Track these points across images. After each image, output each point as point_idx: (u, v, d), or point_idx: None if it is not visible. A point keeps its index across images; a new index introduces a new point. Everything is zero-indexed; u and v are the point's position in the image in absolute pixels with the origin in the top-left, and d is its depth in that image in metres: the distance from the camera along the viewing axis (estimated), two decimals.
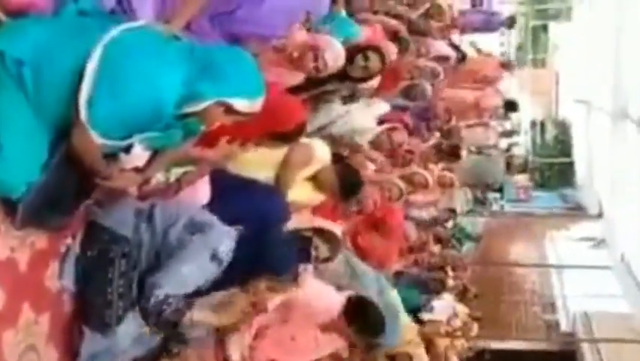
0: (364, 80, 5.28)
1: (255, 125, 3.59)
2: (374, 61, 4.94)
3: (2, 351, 2.88)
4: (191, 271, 3.34)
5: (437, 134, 9.64)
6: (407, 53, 6.79)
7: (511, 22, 13.86)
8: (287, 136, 4.24)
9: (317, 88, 4.87)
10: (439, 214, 10.49)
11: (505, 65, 12.55)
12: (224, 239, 3.49)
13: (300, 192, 4.92)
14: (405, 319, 6.53)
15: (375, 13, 6.95)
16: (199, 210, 3.62)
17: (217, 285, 3.61)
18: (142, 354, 3.49)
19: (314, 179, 4.93)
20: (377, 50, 5.02)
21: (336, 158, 5.13)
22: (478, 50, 12.96)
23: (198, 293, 3.53)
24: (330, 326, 5.09)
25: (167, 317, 3.27)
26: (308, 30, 4.50)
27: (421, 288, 8.89)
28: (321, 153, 4.82)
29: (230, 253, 3.48)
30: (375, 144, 6.38)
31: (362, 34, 5.67)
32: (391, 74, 6.36)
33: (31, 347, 3.07)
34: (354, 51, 4.84)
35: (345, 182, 4.96)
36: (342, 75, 4.87)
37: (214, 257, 3.41)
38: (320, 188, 4.98)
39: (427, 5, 8.62)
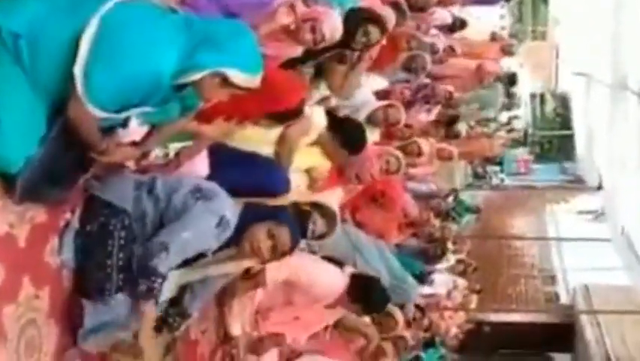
0: (365, 49, 5.28)
1: (253, 103, 3.59)
2: (374, 33, 4.91)
3: (3, 326, 2.88)
4: (192, 236, 3.32)
5: (437, 107, 9.60)
6: (404, 22, 6.73)
7: None
8: (284, 116, 4.22)
9: (316, 59, 4.85)
10: (439, 190, 10.51)
11: (506, 50, 12.49)
12: (230, 205, 3.49)
13: (310, 158, 4.96)
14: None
15: None
16: (202, 180, 3.62)
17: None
18: None
19: (318, 144, 4.97)
20: (377, 21, 4.98)
21: (336, 118, 5.16)
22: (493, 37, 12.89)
23: (202, 256, 3.53)
24: (334, 304, 5.11)
25: (146, 288, 3.25)
26: (304, 1, 4.47)
27: (421, 257, 8.89)
28: (318, 119, 4.84)
29: (235, 221, 3.48)
30: (371, 120, 6.37)
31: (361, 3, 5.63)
32: (390, 43, 6.32)
33: (32, 322, 3.07)
34: (354, 25, 4.80)
35: (348, 139, 5.08)
36: (342, 44, 4.85)
37: (220, 223, 3.40)
38: (325, 151, 5.02)
39: None
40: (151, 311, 3.29)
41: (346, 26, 4.55)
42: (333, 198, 5.54)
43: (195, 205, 3.35)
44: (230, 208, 3.48)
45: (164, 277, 3.24)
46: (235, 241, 3.54)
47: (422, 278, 8.43)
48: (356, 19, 4.79)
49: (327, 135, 4.98)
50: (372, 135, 6.51)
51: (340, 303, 5.13)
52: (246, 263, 3.86)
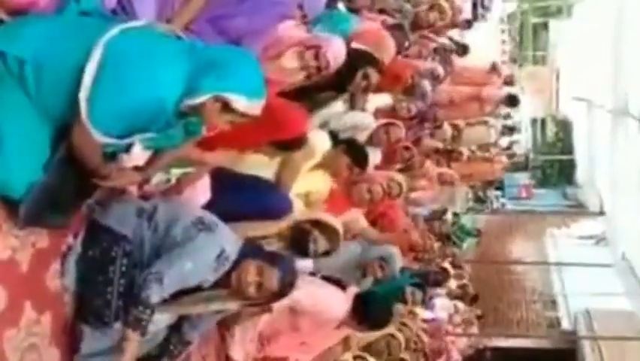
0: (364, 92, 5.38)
1: (256, 132, 3.60)
2: (372, 74, 4.98)
3: (4, 351, 2.87)
4: (194, 267, 3.31)
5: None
6: (407, 47, 6.77)
7: None
8: (288, 145, 4.22)
9: (314, 96, 4.90)
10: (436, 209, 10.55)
11: (507, 81, 12.52)
12: (231, 240, 3.48)
13: (312, 180, 4.99)
14: None
15: (381, 12, 6.94)
16: (204, 212, 3.60)
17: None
18: (143, 354, 3.48)
19: (322, 165, 4.99)
20: (374, 63, 5.05)
21: (337, 139, 5.32)
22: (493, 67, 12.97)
23: (199, 289, 3.52)
24: (340, 325, 5.12)
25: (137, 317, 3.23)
26: (305, 24, 4.50)
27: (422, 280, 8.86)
28: (321, 143, 4.90)
29: (235, 255, 3.46)
30: (372, 139, 6.40)
31: (361, 26, 5.66)
32: (393, 77, 6.36)
33: (33, 347, 3.06)
34: (352, 67, 4.84)
35: (353, 153, 5.25)
36: (340, 86, 4.93)
37: (220, 256, 3.39)
38: (330, 170, 5.13)
39: (428, 5, 8.59)
40: (134, 340, 3.24)
41: (345, 69, 4.60)
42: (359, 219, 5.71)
43: (198, 236, 3.34)
44: (230, 242, 3.47)
45: (153, 309, 3.22)
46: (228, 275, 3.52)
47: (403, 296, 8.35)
48: (356, 62, 4.84)
49: (332, 153, 5.04)
50: (375, 157, 6.54)
51: (347, 324, 5.14)
52: (231, 305, 3.79)
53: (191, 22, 3.50)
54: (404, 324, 7.10)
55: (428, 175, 9.07)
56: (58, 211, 3.00)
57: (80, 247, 3.29)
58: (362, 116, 6.15)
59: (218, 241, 3.39)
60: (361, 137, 6.15)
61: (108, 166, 3.01)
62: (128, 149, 2.96)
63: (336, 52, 4.38)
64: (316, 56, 4.30)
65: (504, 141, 19.85)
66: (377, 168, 6.64)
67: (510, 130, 17.47)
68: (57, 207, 2.95)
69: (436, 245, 9.91)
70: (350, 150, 5.30)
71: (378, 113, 6.71)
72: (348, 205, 5.76)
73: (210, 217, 3.49)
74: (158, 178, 3.78)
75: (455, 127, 10.06)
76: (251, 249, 3.55)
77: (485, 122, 11.67)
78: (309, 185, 5.08)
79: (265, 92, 2.96)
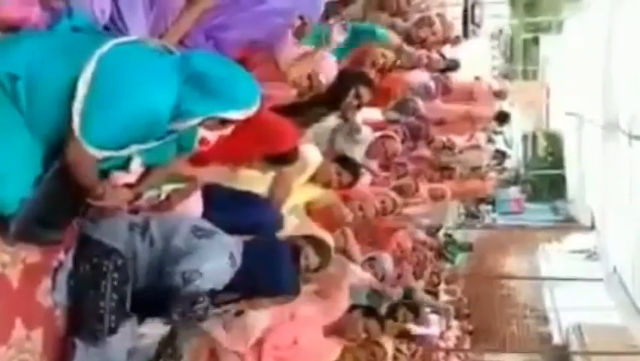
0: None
1: (248, 146, 3.62)
2: (365, 93, 5.02)
3: None
4: (212, 268, 3.37)
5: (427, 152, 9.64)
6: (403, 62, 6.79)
7: None
8: (280, 160, 4.24)
9: (305, 112, 4.93)
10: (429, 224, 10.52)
11: (498, 94, 12.54)
12: (232, 243, 3.51)
13: (311, 191, 5.02)
14: None
15: None
16: (198, 220, 3.63)
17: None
18: None
19: (314, 179, 5.05)
20: (367, 82, 5.09)
21: None
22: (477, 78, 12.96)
23: (213, 294, 3.54)
24: (334, 326, 5.14)
25: (196, 311, 3.29)
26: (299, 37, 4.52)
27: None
28: (313, 157, 4.93)
29: (241, 258, 3.50)
30: (369, 152, 6.41)
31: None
32: (385, 92, 6.39)
33: None
34: (344, 85, 4.88)
35: (346, 164, 5.27)
36: (331, 103, 4.96)
37: (231, 258, 3.44)
38: (321, 181, 5.15)
39: (418, 16, 8.60)
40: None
41: (338, 87, 4.63)
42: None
43: (200, 243, 3.38)
44: (233, 245, 3.51)
45: (206, 295, 3.31)
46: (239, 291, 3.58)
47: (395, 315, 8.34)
48: (348, 80, 4.88)
49: (324, 164, 5.07)
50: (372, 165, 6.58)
51: (340, 327, 5.17)
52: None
53: (185, 37, 3.51)
54: (399, 350, 7.09)
55: (422, 196, 9.07)
56: (50, 227, 2.99)
57: (70, 263, 3.29)
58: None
59: (223, 243, 3.47)
60: (357, 151, 6.17)
61: (102, 185, 3.01)
62: (122, 166, 2.96)
63: (327, 71, 4.43)
64: (309, 76, 4.35)
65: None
66: (373, 174, 6.67)
67: (502, 155, 17.45)
68: (48, 223, 2.94)
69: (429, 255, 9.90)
70: (340, 160, 5.33)
71: (367, 124, 6.72)
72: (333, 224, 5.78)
73: (205, 224, 3.54)
74: (148, 194, 3.78)
75: (449, 140, 10.05)
76: (253, 253, 3.59)
77: (478, 147, 11.71)
78: (310, 195, 5.11)
79: (258, 98, 2.98)
